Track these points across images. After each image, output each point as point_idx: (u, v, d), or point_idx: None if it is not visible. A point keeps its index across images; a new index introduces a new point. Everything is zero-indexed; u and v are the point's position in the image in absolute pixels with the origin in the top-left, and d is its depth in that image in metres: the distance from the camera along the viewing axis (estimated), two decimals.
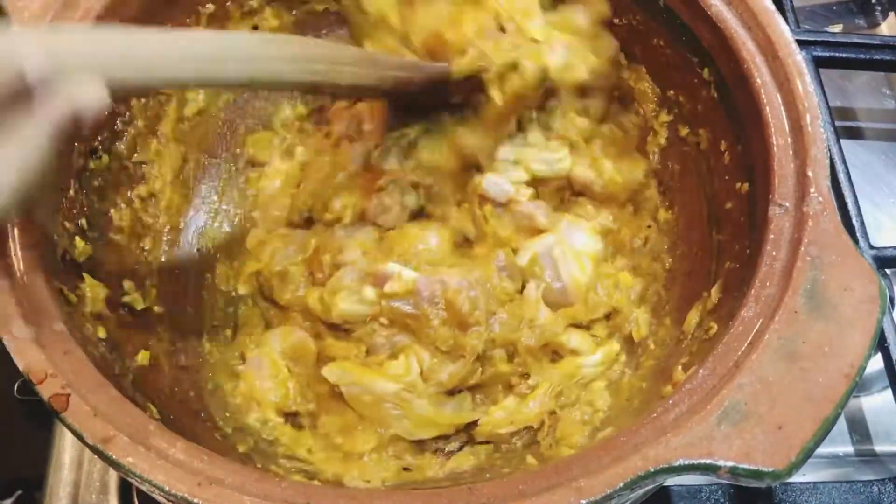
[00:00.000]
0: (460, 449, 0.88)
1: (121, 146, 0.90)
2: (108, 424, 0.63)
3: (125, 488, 1.00)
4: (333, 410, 0.87)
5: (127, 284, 0.92)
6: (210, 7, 0.98)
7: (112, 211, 0.91)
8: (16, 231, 0.72)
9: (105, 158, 0.92)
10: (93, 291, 0.83)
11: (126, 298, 0.91)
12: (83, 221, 0.87)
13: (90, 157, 0.89)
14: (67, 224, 0.83)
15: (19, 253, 0.71)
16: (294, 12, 1.05)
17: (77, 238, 0.84)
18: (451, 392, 0.88)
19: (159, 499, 0.65)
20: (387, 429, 0.85)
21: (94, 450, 0.63)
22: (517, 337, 0.87)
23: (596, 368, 0.87)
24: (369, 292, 0.87)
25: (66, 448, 1.02)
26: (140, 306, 0.91)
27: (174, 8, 0.94)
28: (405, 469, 0.85)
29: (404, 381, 0.85)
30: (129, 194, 0.92)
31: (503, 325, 0.86)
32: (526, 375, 0.89)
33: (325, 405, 0.88)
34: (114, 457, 0.62)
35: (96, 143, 0.90)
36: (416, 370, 0.85)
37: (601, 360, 0.88)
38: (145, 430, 0.64)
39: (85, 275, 0.84)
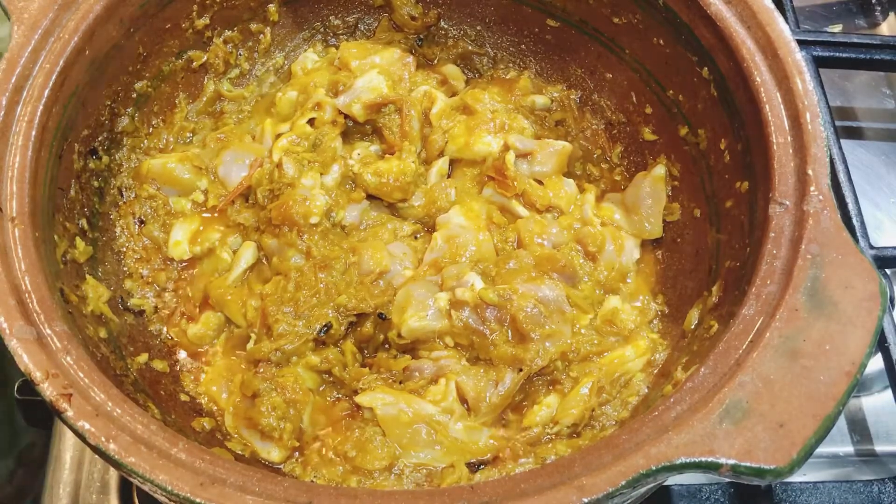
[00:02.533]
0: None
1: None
2: (109, 424, 0.63)
3: (125, 488, 1.00)
4: (347, 429, 0.87)
5: (129, 284, 0.92)
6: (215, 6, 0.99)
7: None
8: (16, 231, 0.72)
9: (105, 159, 0.92)
10: (94, 292, 0.83)
11: (131, 301, 0.91)
12: (83, 222, 0.87)
13: (90, 157, 0.89)
14: (68, 224, 0.83)
15: (20, 253, 0.71)
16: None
17: (77, 238, 0.84)
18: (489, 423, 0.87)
19: (161, 499, 0.65)
20: (411, 457, 0.83)
21: (95, 450, 0.63)
22: (570, 347, 0.87)
23: (637, 362, 0.87)
24: (441, 298, 0.87)
25: (66, 448, 1.02)
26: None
27: (173, 7, 0.94)
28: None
29: (442, 405, 0.85)
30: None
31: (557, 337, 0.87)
32: (567, 363, 0.88)
33: (337, 427, 0.87)
34: (116, 457, 0.62)
35: (96, 144, 0.90)
36: (453, 395, 0.85)
37: (642, 351, 0.88)
38: (147, 429, 0.64)
39: (86, 275, 0.84)
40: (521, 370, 0.85)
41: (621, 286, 0.94)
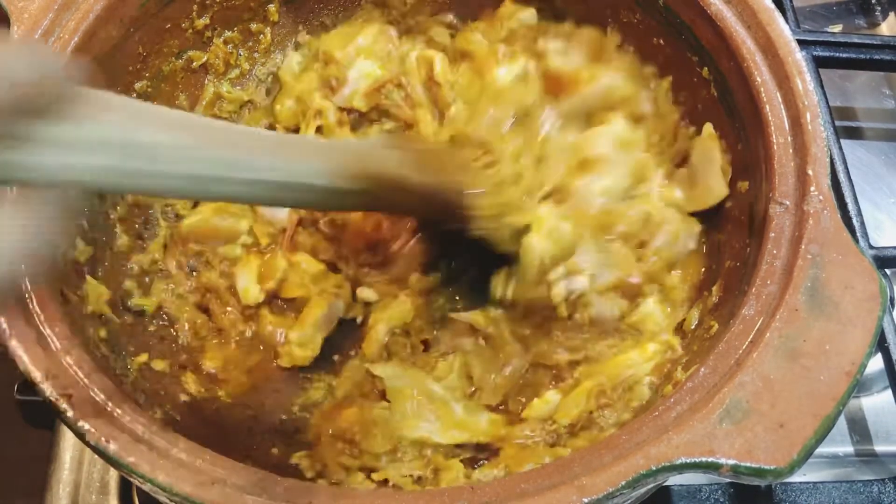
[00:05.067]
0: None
1: None
2: (109, 424, 0.63)
3: (125, 488, 1.00)
4: (358, 406, 0.87)
5: (129, 284, 0.92)
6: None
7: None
8: None
9: None
10: (94, 292, 0.83)
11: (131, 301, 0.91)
12: (83, 222, 0.87)
13: None
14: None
15: None
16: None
17: (77, 238, 0.84)
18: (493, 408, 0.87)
19: (161, 499, 0.65)
20: (412, 430, 0.83)
21: (95, 450, 0.63)
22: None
23: (645, 366, 0.84)
24: None
25: (66, 448, 1.02)
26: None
27: (173, 7, 0.94)
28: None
29: (448, 380, 0.85)
30: None
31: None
32: (573, 363, 0.87)
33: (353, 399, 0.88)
34: (115, 457, 0.62)
35: None
36: (459, 372, 0.86)
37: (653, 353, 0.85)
38: (147, 429, 0.64)
39: (86, 275, 0.84)
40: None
41: (665, 277, 0.88)
